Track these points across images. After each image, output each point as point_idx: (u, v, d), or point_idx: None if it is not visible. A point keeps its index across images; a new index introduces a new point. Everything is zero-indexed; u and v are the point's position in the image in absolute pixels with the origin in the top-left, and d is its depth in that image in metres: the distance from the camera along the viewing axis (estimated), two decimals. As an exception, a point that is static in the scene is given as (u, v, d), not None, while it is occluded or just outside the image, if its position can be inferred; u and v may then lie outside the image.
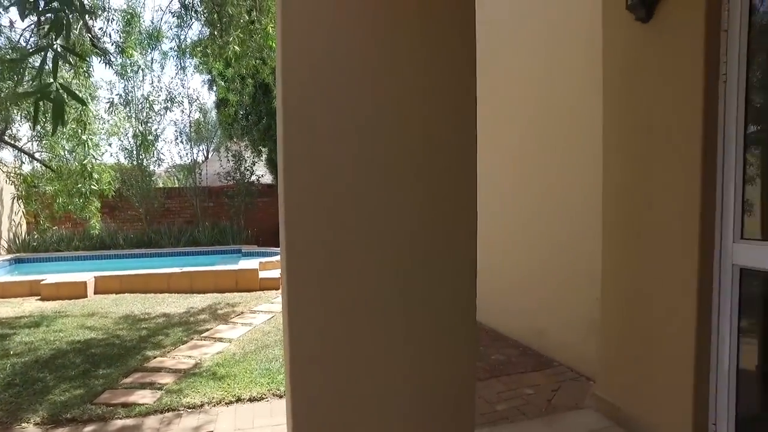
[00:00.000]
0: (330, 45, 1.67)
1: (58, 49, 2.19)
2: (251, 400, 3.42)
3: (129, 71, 8.79)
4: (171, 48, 8.10)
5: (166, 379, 3.76)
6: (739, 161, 2.15)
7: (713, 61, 2.20)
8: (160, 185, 13.69)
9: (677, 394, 2.38)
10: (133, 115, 10.68)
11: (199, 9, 5.90)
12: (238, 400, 3.39)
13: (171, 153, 25.31)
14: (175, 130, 12.24)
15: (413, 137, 1.78)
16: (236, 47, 5.53)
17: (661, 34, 2.44)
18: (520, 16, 4.71)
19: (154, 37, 6.83)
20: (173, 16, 6.45)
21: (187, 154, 12.40)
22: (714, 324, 2.26)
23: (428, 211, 1.81)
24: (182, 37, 6.85)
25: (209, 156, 19.38)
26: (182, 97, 11.90)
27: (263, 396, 3.47)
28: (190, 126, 12.54)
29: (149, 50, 7.44)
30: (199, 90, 32.03)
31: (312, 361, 1.69)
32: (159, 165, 11.97)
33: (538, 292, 4.50)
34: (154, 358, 4.27)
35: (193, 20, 6.12)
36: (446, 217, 1.85)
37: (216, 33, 5.73)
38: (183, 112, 12.32)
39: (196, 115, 13.14)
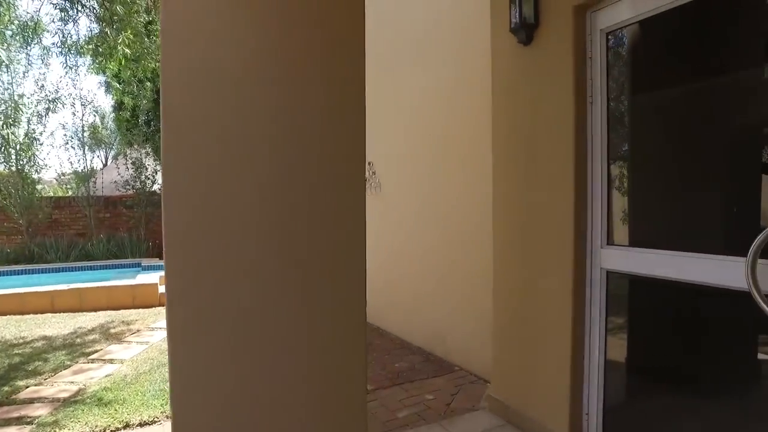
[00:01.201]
0: (214, 50, 1.63)
1: None
2: (142, 424, 3.20)
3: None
4: (54, 44, 7.38)
5: (40, 411, 3.40)
6: (603, 176, 2.39)
7: (582, 85, 2.43)
8: (51, 194, 12.50)
9: (556, 389, 2.56)
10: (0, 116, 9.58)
11: (86, 3, 5.47)
12: (127, 426, 3.16)
13: (60, 159, 23.16)
14: (65, 135, 11.24)
15: (301, 146, 1.78)
16: (126, 48, 5.18)
17: (539, 58, 2.64)
18: (424, 34, 4.89)
19: (30, 30, 6.20)
20: (55, 8, 5.89)
21: (79, 160, 11.43)
22: (587, 323, 2.48)
23: (316, 222, 1.81)
24: (68, 32, 6.29)
25: (108, 163, 18.04)
26: (73, 98, 10.94)
27: (155, 419, 3.26)
28: (83, 130, 11.60)
29: (25, 44, 6.73)
30: (95, 92, 29.79)
31: (193, 379, 1.62)
32: (39, 172, 10.83)
33: (439, 300, 4.65)
34: (27, 387, 3.84)
35: (80, 14, 5.65)
36: (335, 228, 1.86)
37: (108, 31, 5.35)
38: (75, 114, 11.37)
39: (92, 119, 12.18)
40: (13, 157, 10.11)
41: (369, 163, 6.14)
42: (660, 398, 3.25)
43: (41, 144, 10.46)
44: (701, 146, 2.92)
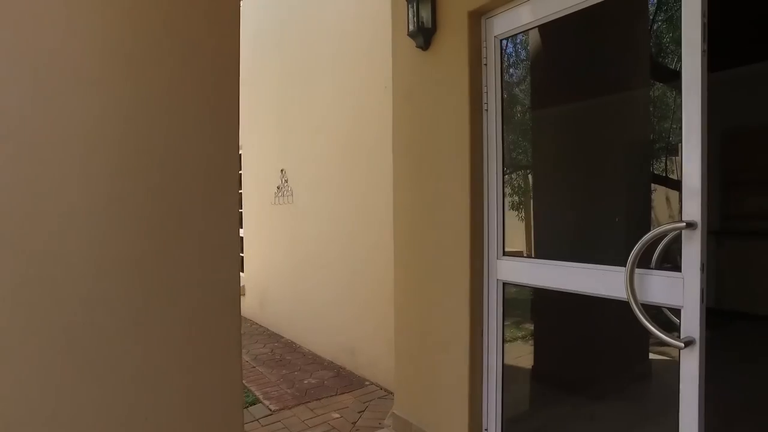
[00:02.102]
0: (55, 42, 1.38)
1: None
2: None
3: None
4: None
5: None
6: (499, 186, 2.35)
7: (477, 92, 2.38)
8: None
9: (456, 404, 2.49)
10: None
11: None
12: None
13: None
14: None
15: (166, 147, 1.56)
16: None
17: (437, 63, 2.58)
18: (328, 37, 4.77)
19: None
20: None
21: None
22: (485, 336, 2.42)
23: (170, 237, 1.59)
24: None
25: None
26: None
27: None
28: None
29: None
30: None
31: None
32: None
33: (347, 311, 4.51)
34: None
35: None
36: (198, 241, 1.65)
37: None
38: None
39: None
40: None
41: (281, 171, 5.91)
42: (558, 406, 3.28)
43: None
44: (593, 157, 3.00)
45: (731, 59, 6.05)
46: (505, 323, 2.41)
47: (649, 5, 2.71)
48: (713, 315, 5.33)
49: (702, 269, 1.58)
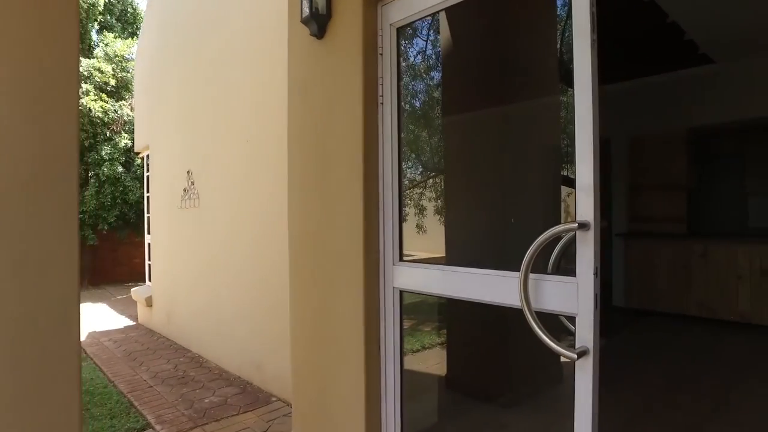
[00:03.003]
0: None
1: None
2: None
3: None
4: None
5: None
6: (395, 187, 2.17)
7: (372, 84, 2.19)
8: None
9: (353, 420, 2.27)
10: None
11: None
12: None
13: None
14: None
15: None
16: None
17: (332, 53, 2.37)
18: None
19: None
20: None
21: None
22: (382, 348, 2.23)
23: None
24: None
25: None
26: None
27: None
28: None
29: None
30: None
31: None
32: None
33: (254, 322, 4.20)
34: None
35: None
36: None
37: None
38: None
39: None
40: None
41: (188, 172, 5.48)
42: (467, 416, 3.14)
43: None
44: (496, 157, 2.90)
45: (638, 69, 6.32)
46: (404, 332, 2.22)
47: None
48: (622, 314, 5.49)
49: (596, 273, 1.46)
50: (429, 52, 2.43)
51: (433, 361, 4.70)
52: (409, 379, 4.52)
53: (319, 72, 2.45)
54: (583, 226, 1.45)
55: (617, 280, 6.84)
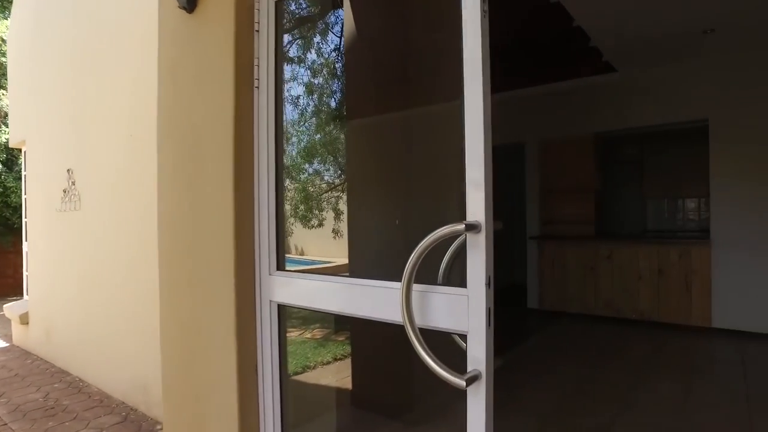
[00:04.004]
0: None
1: None
2: None
3: None
4: None
5: None
6: (271, 186, 1.87)
7: (246, 65, 1.89)
8: None
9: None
10: None
11: None
12: None
13: None
14: None
15: None
16: None
17: (202, 29, 2.03)
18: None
19: None
20: None
21: None
22: (259, 369, 1.91)
23: None
24: None
25: None
26: None
27: None
28: None
29: None
30: None
31: None
32: None
33: (139, 339, 3.72)
34: None
35: None
36: None
37: None
38: None
39: None
40: None
41: (68, 171, 4.85)
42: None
43: None
44: (394, 154, 2.69)
45: (548, 74, 6.43)
46: (282, 353, 1.92)
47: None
48: (536, 316, 5.47)
49: (488, 284, 1.25)
50: (306, 17, 2.15)
51: (343, 374, 4.43)
52: (312, 395, 4.21)
53: (189, 51, 2.11)
54: (472, 227, 1.23)
55: (531, 283, 6.94)
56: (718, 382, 4.15)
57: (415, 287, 1.38)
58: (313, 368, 4.93)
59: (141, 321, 3.69)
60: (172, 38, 2.21)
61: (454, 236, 1.32)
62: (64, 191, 4.89)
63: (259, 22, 1.90)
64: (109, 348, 4.13)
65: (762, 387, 3.97)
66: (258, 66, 1.89)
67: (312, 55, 2.19)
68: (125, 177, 3.92)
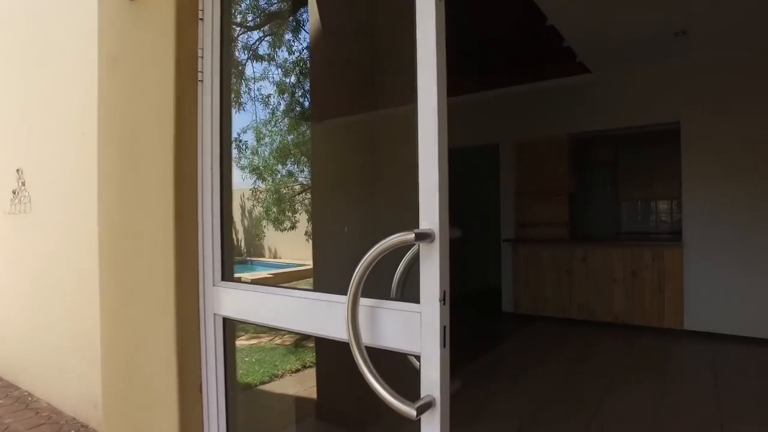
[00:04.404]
0: None
1: None
2: None
3: None
4: None
5: None
6: (215, 188, 1.71)
7: (189, 56, 1.72)
8: None
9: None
10: None
11: None
12: None
13: None
14: None
15: None
16: None
17: (142, 18, 1.86)
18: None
19: None
20: None
21: None
22: (204, 391, 1.75)
23: None
24: None
25: None
26: None
27: None
28: None
29: None
30: None
31: None
32: None
33: (90, 351, 3.49)
34: None
35: None
36: None
37: None
38: None
39: None
40: None
41: (18, 171, 4.58)
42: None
43: None
44: (352, 155, 2.55)
45: (523, 75, 6.37)
46: (227, 368, 1.76)
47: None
48: (511, 319, 5.37)
49: (443, 299, 1.12)
50: (255, 6, 2.00)
51: (310, 383, 4.27)
52: (276, 406, 4.03)
53: (129, 41, 1.93)
54: (424, 236, 1.10)
55: (506, 286, 6.87)
56: (690, 387, 4.12)
57: (365, 302, 1.25)
58: (281, 377, 4.74)
59: (93, 333, 3.47)
60: (112, 27, 2.03)
61: (406, 246, 1.19)
62: (14, 192, 4.62)
63: (203, 10, 1.74)
64: (59, 361, 3.89)
65: (732, 391, 3.95)
66: (202, 58, 1.73)
67: (268, 51, 2.03)
68: (78, 178, 3.70)
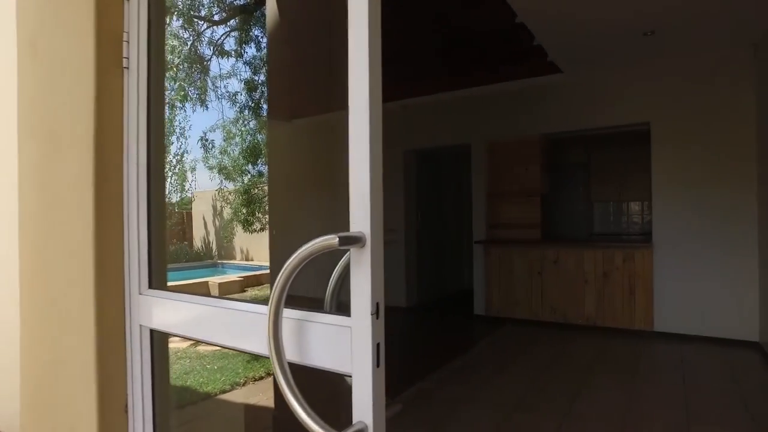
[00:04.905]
0: None
1: None
2: None
3: None
4: None
5: None
6: (142, 186, 1.55)
7: (113, 41, 1.56)
8: None
9: None
10: None
11: None
12: None
13: None
14: None
15: None
16: None
17: (65, -3, 1.69)
18: None
19: None
20: None
21: None
22: (130, 413, 1.58)
23: None
24: None
25: None
26: None
27: None
28: None
29: None
30: None
31: None
32: None
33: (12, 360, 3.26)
34: None
35: None
36: None
37: None
38: None
39: None
40: None
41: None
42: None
43: None
44: (314, 160, 2.42)
45: (495, 74, 6.30)
46: (160, 387, 1.60)
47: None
48: (482, 322, 5.26)
49: (376, 312, 0.98)
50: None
51: (272, 392, 4.11)
52: (232, 418, 3.85)
53: (49, 22, 1.75)
54: (352, 240, 0.97)
55: (478, 289, 6.79)
56: (659, 390, 4.08)
57: (291, 314, 1.11)
58: (243, 385, 4.55)
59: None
60: (32, 5, 1.84)
61: (340, 253, 1.06)
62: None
63: (129, -11, 1.58)
64: None
65: (699, 393, 3.93)
66: (128, 42, 1.57)
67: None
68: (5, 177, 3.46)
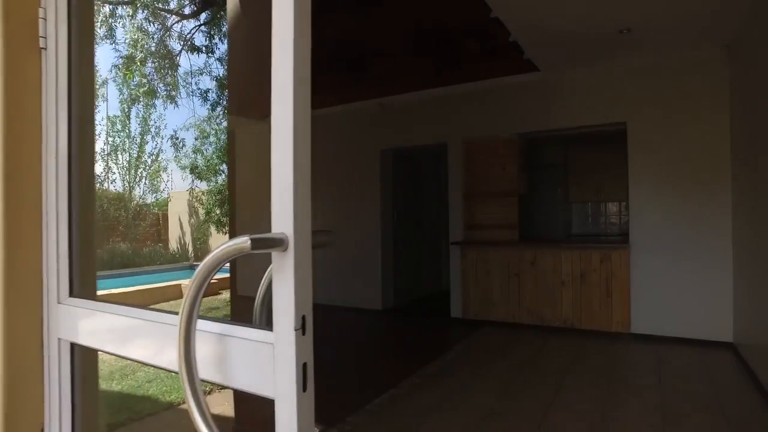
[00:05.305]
0: None
1: None
2: None
3: None
4: None
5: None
6: (62, 184, 1.38)
7: (27, 19, 1.39)
8: None
9: None
10: None
11: None
12: None
13: None
14: None
15: None
16: None
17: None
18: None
19: None
20: None
21: None
22: (47, 426, 1.42)
23: None
24: None
25: None
26: None
27: None
28: None
29: None
30: None
31: None
32: None
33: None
34: None
35: None
36: None
37: None
38: None
39: None
40: None
41: None
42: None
43: None
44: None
45: (471, 72, 6.21)
46: (82, 406, 1.43)
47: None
48: (459, 325, 5.11)
49: (302, 327, 0.84)
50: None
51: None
52: (190, 429, 3.66)
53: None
54: (270, 243, 0.82)
55: (455, 291, 6.68)
56: (635, 393, 4.01)
57: (213, 327, 0.97)
58: (209, 393, 4.35)
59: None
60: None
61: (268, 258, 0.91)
62: None
63: (45, -38, 1.41)
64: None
65: (675, 396, 3.88)
66: (45, 19, 1.40)
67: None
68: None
